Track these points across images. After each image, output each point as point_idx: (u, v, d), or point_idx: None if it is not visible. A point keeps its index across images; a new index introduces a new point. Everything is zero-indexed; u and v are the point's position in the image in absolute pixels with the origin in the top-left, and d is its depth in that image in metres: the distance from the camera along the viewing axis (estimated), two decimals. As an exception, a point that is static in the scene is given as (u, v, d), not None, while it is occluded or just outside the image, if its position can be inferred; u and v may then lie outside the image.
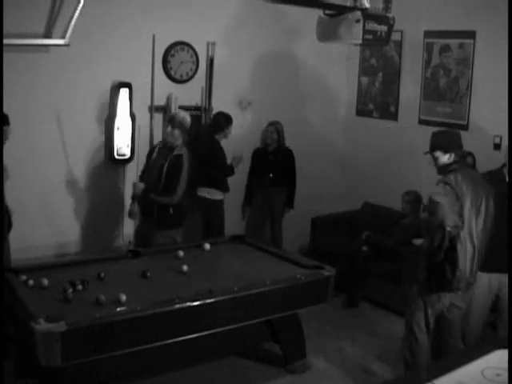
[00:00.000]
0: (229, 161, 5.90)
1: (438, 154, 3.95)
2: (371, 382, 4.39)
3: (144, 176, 5.11)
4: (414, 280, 4.08)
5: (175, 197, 4.94)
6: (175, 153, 4.98)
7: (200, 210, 6.00)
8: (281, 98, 6.58)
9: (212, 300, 3.86)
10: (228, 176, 5.92)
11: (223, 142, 5.89)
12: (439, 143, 3.97)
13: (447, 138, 4.02)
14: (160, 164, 4.98)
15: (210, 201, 5.90)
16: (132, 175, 5.40)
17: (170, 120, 5.05)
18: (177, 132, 4.95)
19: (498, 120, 5.44)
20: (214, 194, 5.91)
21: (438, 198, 3.80)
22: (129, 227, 5.54)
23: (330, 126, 7.03)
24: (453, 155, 3.93)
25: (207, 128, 6.00)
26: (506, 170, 4.26)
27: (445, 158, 3.94)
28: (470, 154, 5.14)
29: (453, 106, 5.95)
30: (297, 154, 6.47)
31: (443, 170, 3.96)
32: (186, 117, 5.05)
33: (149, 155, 5.19)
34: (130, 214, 5.24)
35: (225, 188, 5.97)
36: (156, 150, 5.12)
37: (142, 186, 5.00)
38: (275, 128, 6.29)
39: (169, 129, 4.99)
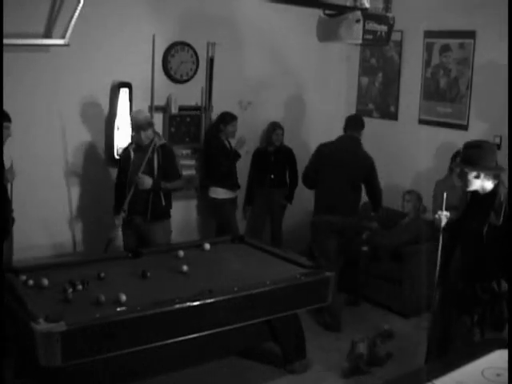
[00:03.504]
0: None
1: (467, 169, 3.64)
2: (371, 382, 4.38)
3: (127, 177, 4.99)
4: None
5: (182, 180, 5.28)
6: (158, 143, 4.99)
7: (209, 210, 6.03)
8: (281, 98, 6.58)
9: (212, 300, 3.86)
10: (234, 161, 5.91)
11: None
12: (468, 158, 3.65)
13: (478, 152, 3.64)
14: (147, 158, 4.91)
15: (216, 200, 5.94)
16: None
17: (132, 126, 5.00)
18: (142, 134, 4.92)
19: (497, 120, 5.43)
20: (220, 193, 5.94)
21: None
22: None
23: (330, 125, 7.01)
24: (482, 174, 3.63)
25: (212, 127, 6.05)
26: None
27: (472, 176, 3.65)
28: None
29: (453, 106, 5.95)
30: (297, 154, 6.47)
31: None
32: (140, 116, 4.97)
33: (123, 157, 5.10)
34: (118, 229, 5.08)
35: (233, 186, 6.00)
36: (131, 150, 5.03)
37: (149, 179, 4.89)
38: (281, 129, 6.31)
39: (134, 135, 4.99)
